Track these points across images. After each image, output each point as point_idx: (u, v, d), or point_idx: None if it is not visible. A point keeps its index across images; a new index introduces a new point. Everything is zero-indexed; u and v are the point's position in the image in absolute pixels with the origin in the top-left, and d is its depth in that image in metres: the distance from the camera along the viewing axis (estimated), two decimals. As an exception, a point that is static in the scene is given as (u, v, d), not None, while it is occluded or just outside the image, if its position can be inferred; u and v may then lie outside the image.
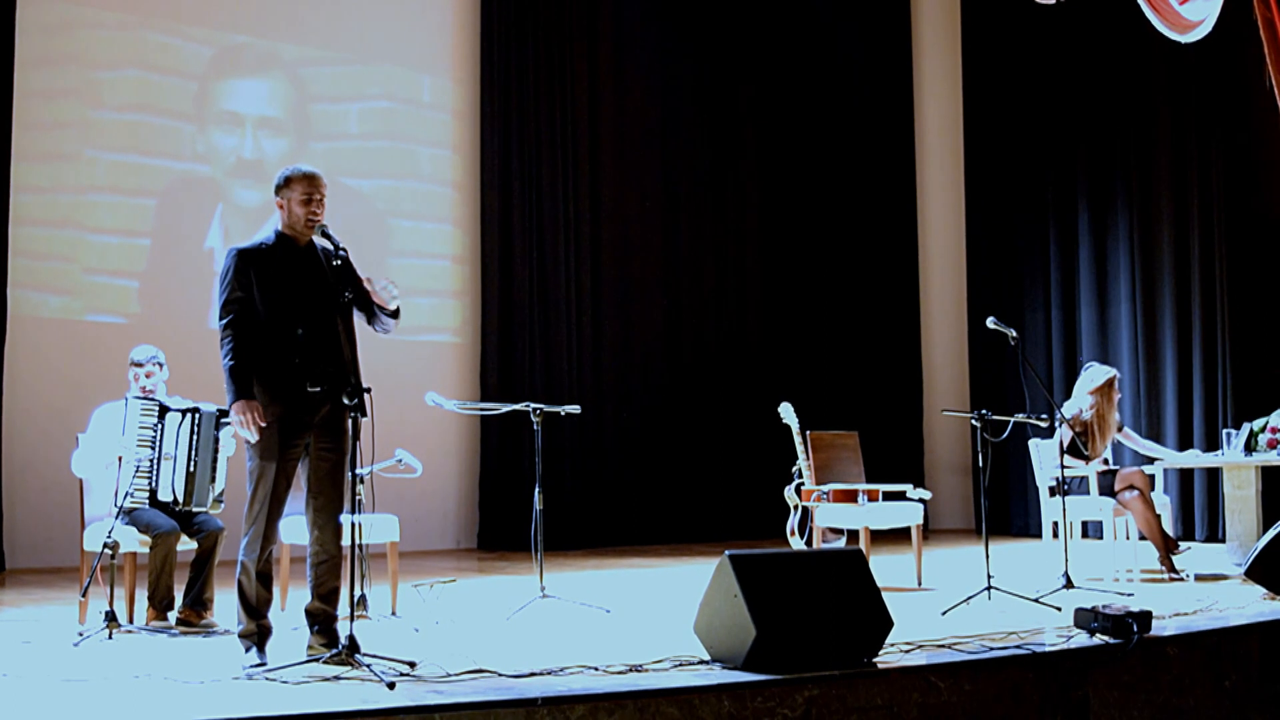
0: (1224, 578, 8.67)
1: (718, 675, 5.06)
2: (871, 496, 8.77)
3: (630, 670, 5.13)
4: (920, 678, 5.25)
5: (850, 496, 8.81)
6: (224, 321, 5.47)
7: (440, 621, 6.88)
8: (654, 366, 13.37)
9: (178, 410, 6.86)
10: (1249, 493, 9.58)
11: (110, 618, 6.24)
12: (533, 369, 12.40)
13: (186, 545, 6.79)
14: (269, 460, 5.41)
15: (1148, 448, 9.58)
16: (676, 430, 13.29)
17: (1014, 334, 8.04)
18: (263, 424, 5.35)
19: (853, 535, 8.92)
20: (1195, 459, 10.11)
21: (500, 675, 5.00)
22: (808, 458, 9.13)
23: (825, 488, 8.94)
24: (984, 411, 7.85)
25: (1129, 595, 7.62)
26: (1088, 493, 8.83)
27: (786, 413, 9.28)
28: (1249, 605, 7.21)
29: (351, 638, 5.19)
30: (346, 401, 5.36)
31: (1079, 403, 9.13)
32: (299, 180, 5.62)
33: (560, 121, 12.82)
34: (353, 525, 5.49)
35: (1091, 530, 10.74)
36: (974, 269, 14.73)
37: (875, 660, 5.37)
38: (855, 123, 14.71)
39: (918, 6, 15.38)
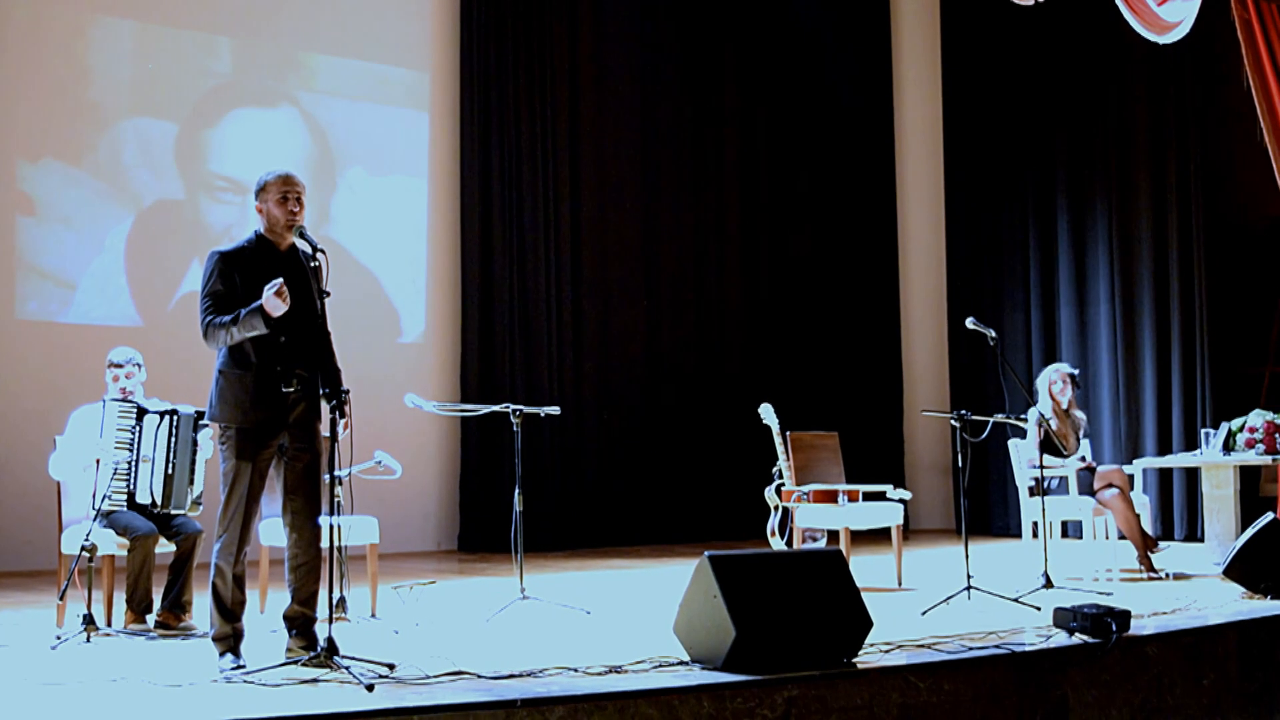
0: (1203, 577, 8.70)
1: (697, 676, 5.07)
2: (851, 497, 8.79)
3: (610, 671, 5.13)
4: (900, 678, 5.26)
5: (830, 497, 8.82)
6: (208, 319, 5.46)
7: (420, 623, 6.88)
8: (634, 368, 13.35)
9: (156, 412, 6.83)
10: (1227, 492, 9.61)
11: (88, 621, 6.22)
12: (513, 370, 12.38)
13: (165, 548, 6.77)
14: (244, 461, 5.40)
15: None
16: (657, 431, 13.28)
17: (993, 334, 8.07)
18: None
19: (833, 536, 8.94)
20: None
21: (480, 677, 5.00)
22: (788, 458, 9.13)
23: (805, 488, 8.95)
24: (963, 412, 7.88)
25: (1108, 595, 7.64)
26: (1068, 492, 8.86)
27: (767, 413, 9.29)
28: (1227, 604, 7.25)
29: (330, 640, 5.19)
30: (326, 404, 5.37)
31: (1045, 403, 9.17)
32: (275, 183, 5.61)
33: (540, 121, 12.80)
34: (331, 527, 5.48)
35: (1071, 530, 10.77)
36: (954, 269, 14.76)
37: (855, 660, 5.38)
38: (835, 123, 14.71)
39: (898, 7, 15.40)
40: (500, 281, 12.41)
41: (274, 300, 5.31)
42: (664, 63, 13.77)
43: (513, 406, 7.73)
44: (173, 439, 6.79)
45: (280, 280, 5.35)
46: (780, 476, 9.18)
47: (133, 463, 6.76)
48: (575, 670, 5.16)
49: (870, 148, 14.98)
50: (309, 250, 5.57)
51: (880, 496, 8.91)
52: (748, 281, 14.14)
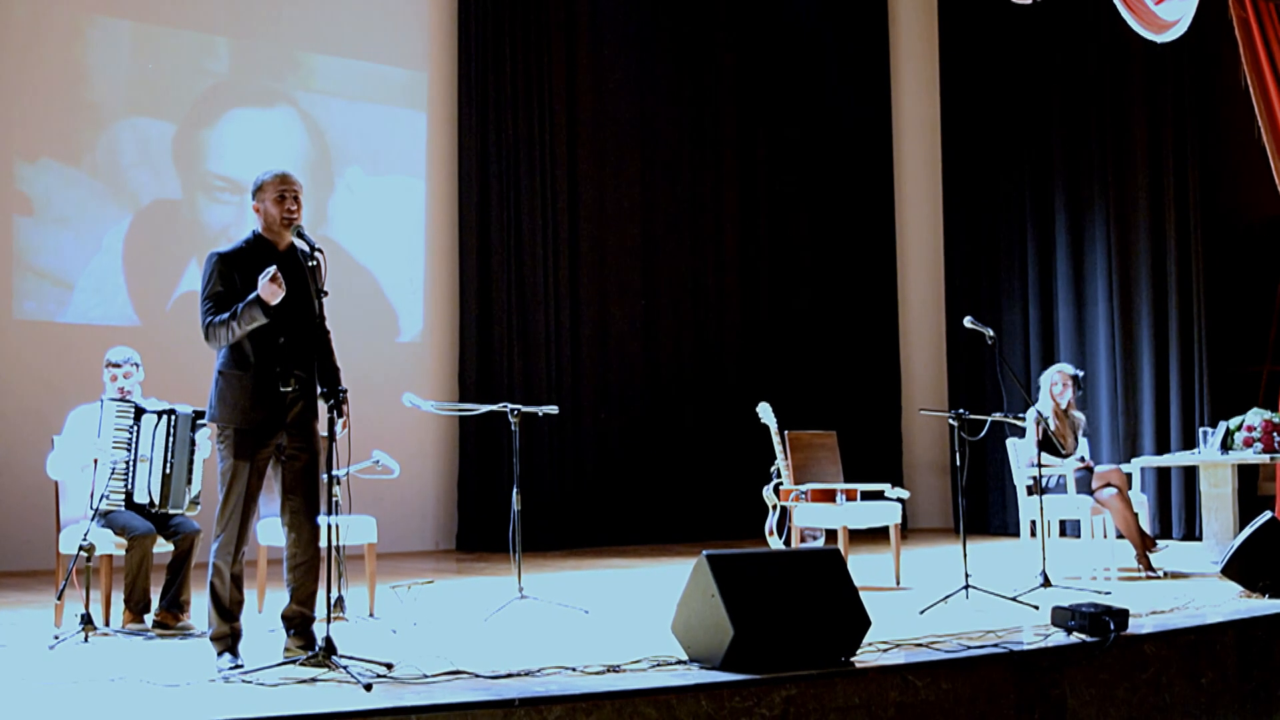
0: (1201, 576, 8.70)
1: (695, 675, 5.07)
2: (849, 496, 8.79)
3: (608, 671, 5.13)
4: (898, 677, 5.26)
5: (828, 496, 8.82)
6: (209, 319, 5.47)
7: (418, 623, 6.87)
8: (632, 367, 13.34)
9: (153, 412, 6.83)
10: (1225, 491, 9.62)
11: (86, 620, 6.21)
12: (511, 370, 12.37)
13: (163, 547, 6.76)
14: (242, 460, 5.40)
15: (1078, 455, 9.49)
16: (655, 430, 13.27)
17: (991, 333, 8.07)
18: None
19: (831, 535, 8.94)
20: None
21: (478, 676, 5.00)
22: (786, 457, 9.13)
23: (803, 487, 8.95)
24: (961, 411, 7.88)
25: (1106, 594, 7.65)
26: (1066, 491, 8.86)
27: (765, 412, 9.28)
28: (1225, 603, 7.25)
29: (329, 639, 5.19)
30: (324, 404, 5.38)
31: (1045, 402, 9.18)
32: (271, 182, 5.62)
33: (538, 121, 12.78)
34: (330, 527, 5.48)
35: (1069, 529, 10.77)
36: (952, 268, 14.76)
37: (853, 659, 5.38)
38: (834, 122, 14.70)
39: (895, 7, 15.39)
40: (498, 281, 12.41)
41: (270, 287, 5.32)
42: (661, 62, 13.76)
43: (511, 406, 7.72)
44: (170, 439, 6.78)
45: (274, 267, 5.37)
46: (778, 475, 9.17)
47: (130, 462, 6.75)
48: (573, 669, 5.16)
49: (868, 146, 14.97)
50: (307, 249, 5.57)
51: (878, 495, 8.91)
52: (746, 280, 14.13)
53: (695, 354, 13.75)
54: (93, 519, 6.56)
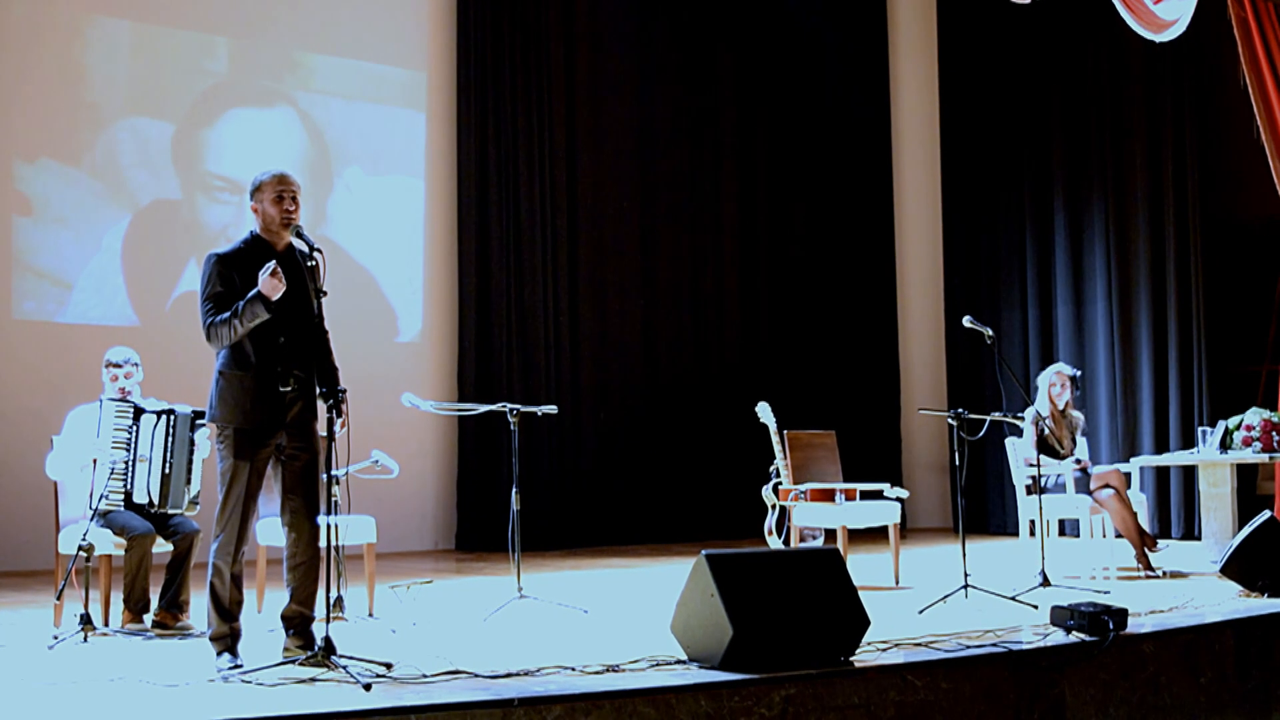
0: (1200, 575, 8.70)
1: (695, 675, 5.07)
2: (849, 496, 8.79)
3: (607, 670, 5.13)
4: (897, 676, 5.27)
5: (827, 496, 8.82)
6: (210, 319, 5.47)
7: (417, 623, 6.87)
8: (631, 366, 13.34)
9: (153, 412, 6.83)
10: (1224, 490, 9.62)
11: (85, 620, 6.21)
12: (510, 369, 12.37)
13: (162, 547, 6.76)
14: (241, 460, 5.40)
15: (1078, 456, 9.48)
16: (654, 430, 13.27)
17: (990, 333, 8.08)
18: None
19: (830, 534, 8.94)
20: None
21: (477, 676, 5.00)
22: (785, 457, 9.13)
23: (803, 487, 8.94)
24: (960, 410, 7.89)
25: (1105, 593, 7.65)
26: (1065, 490, 8.86)
27: (764, 412, 9.28)
28: (1224, 602, 7.26)
29: (328, 639, 5.19)
30: (323, 404, 5.39)
31: (1043, 402, 9.18)
32: (270, 182, 5.62)
33: (537, 120, 12.78)
34: (329, 527, 5.48)
35: (1068, 528, 10.77)
36: (951, 268, 14.76)
37: (852, 659, 5.38)
38: (833, 123, 14.70)
39: (894, 8, 15.39)
40: (497, 281, 12.41)
41: (270, 282, 5.33)
42: (660, 63, 13.75)
43: (510, 406, 7.72)
44: (170, 439, 6.78)
45: (273, 262, 5.37)
46: (777, 475, 9.17)
47: (130, 462, 6.75)
48: (573, 669, 5.16)
49: (867, 146, 14.97)
50: (306, 249, 5.57)
51: (877, 495, 8.91)
52: (745, 279, 14.14)
53: (695, 354, 13.75)
54: (92, 519, 6.56)
